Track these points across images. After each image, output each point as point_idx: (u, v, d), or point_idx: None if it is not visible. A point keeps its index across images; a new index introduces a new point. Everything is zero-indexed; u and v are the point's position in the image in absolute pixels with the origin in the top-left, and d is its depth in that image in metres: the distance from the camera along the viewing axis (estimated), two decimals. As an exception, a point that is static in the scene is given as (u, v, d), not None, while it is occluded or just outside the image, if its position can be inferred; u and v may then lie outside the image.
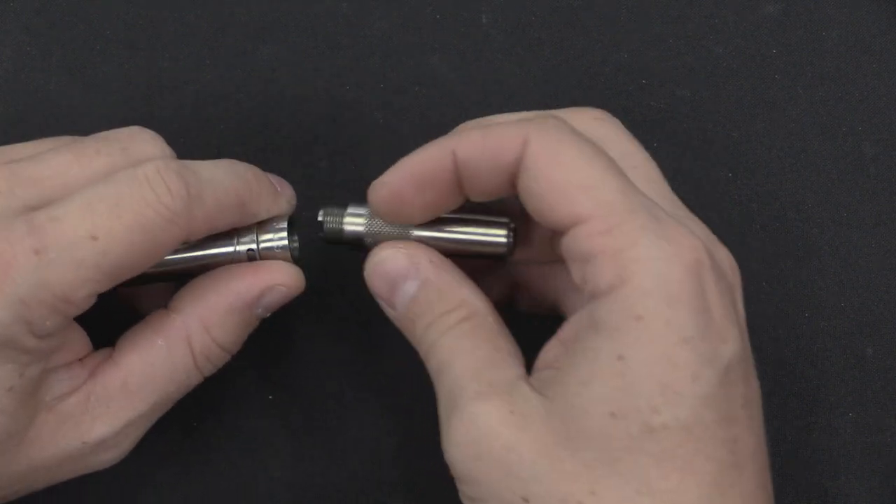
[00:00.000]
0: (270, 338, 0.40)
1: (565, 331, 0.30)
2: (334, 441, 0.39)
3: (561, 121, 0.30)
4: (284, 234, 0.34)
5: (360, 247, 0.34)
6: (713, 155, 0.42)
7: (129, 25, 0.43)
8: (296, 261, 0.35)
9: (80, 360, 0.33)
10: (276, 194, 0.35)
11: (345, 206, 0.34)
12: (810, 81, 0.43)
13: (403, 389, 0.39)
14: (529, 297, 0.36)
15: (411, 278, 0.31)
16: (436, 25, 0.43)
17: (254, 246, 0.34)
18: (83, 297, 0.30)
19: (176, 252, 0.33)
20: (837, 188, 0.42)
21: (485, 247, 0.32)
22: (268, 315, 0.35)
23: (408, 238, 0.32)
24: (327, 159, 0.42)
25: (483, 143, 0.30)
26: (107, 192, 0.30)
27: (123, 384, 0.32)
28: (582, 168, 0.29)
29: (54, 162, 0.31)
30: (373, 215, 0.33)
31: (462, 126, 0.33)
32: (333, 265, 0.40)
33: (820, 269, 0.41)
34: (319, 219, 0.34)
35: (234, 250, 0.34)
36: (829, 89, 0.43)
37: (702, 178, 0.41)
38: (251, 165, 0.34)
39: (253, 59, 0.43)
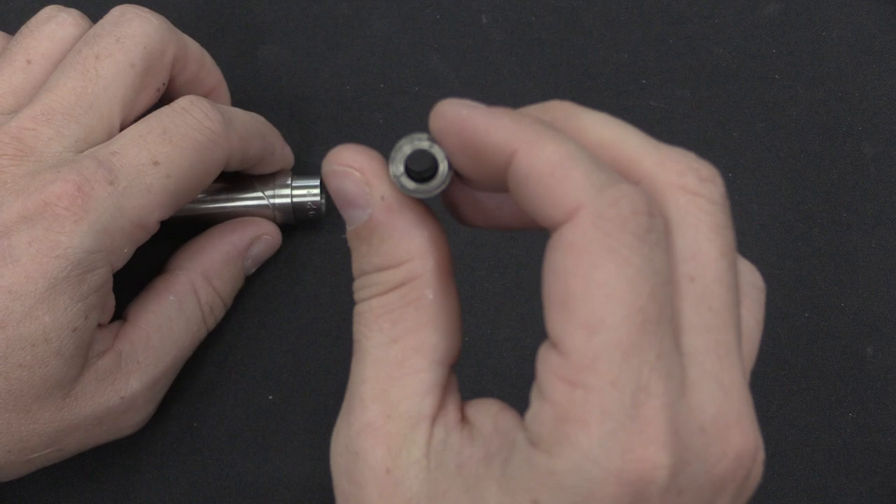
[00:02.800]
0: (270, 338, 0.40)
1: (503, 419, 0.25)
2: (334, 441, 0.39)
3: (644, 207, 0.22)
4: (317, 187, 0.38)
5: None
6: (713, 155, 0.42)
7: (129, 25, 0.43)
8: (319, 217, 0.39)
9: (111, 324, 0.34)
10: (280, 136, 0.39)
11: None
12: (810, 81, 0.43)
13: (403, 389, 0.39)
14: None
15: (359, 207, 0.26)
16: (436, 25, 0.43)
17: (287, 199, 0.38)
18: (154, 221, 0.32)
19: (217, 201, 0.38)
20: (837, 188, 0.42)
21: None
22: (253, 269, 0.39)
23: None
24: (327, 159, 0.42)
25: (543, 175, 0.23)
26: (152, 125, 0.32)
27: (147, 341, 0.34)
28: (605, 298, 0.22)
29: (69, 86, 0.32)
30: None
31: (543, 111, 0.26)
32: (333, 265, 0.40)
33: (820, 269, 0.41)
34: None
35: (268, 203, 0.38)
36: (829, 89, 0.43)
37: (702, 178, 0.41)
38: None
39: (253, 59, 0.43)
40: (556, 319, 0.22)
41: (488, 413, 0.25)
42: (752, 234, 0.41)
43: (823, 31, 0.43)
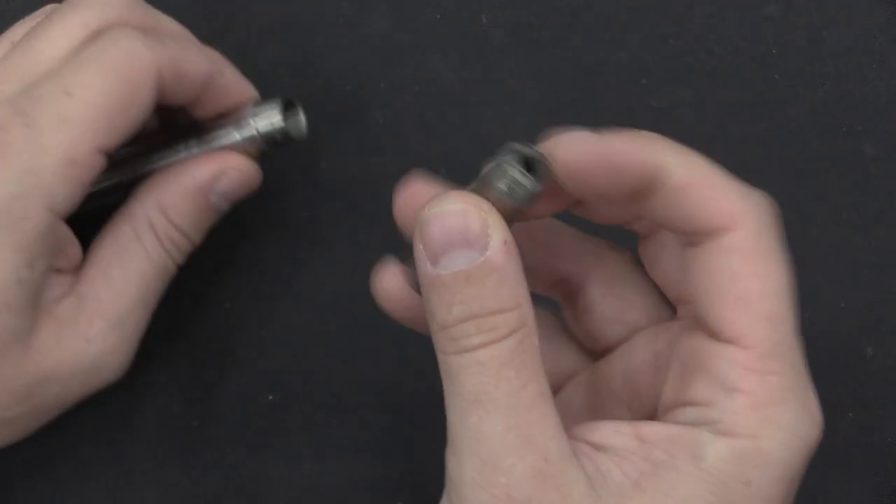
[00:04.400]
0: (270, 337, 0.40)
1: (650, 432, 0.26)
2: (334, 441, 0.39)
3: (774, 212, 0.27)
4: (277, 107, 0.36)
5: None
6: (713, 155, 0.42)
7: (129, 25, 0.43)
8: (298, 140, 0.36)
9: (73, 271, 0.33)
10: (229, 63, 0.37)
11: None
12: (810, 81, 0.43)
13: (404, 389, 0.39)
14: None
15: (475, 249, 0.25)
16: (436, 25, 0.43)
17: (253, 130, 0.35)
18: (86, 153, 0.31)
19: (181, 145, 0.35)
20: (837, 188, 0.42)
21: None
22: (226, 206, 0.36)
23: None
24: (327, 159, 0.42)
25: (692, 187, 0.26)
26: (69, 60, 0.31)
27: (106, 277, 0.33)
28: (778, 295, 0.26)
29: (23, 53, 0.32)
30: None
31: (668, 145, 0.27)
32: (333, 265, 0.40)
33: (820, 269, 0.41)
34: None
35: (238, 137, 0.35)
36: (829, 89, 0.43)
37: (702, 178, 0.41)
38: None
39: (253, 59, 0.43)
40: (735, 316, 0.25)
41: (617, 432, 0.26)
42: (752, 234, 0.41)
43: (823, 31, 0.43)
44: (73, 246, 0.33)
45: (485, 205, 0.25)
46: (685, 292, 0.29)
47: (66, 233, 0.32)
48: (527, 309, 0.26)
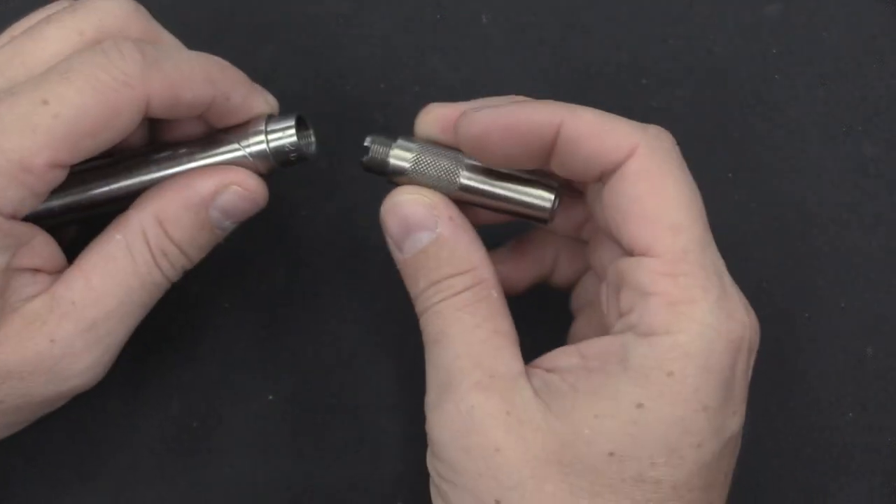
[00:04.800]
0: (270, 338, 0.40)
1: (589, 347, 0.30)
2: (334, 441, 0.39)
3: (671, 140, 0.30)
4: (292, 127, 0.34)
5: (396, 181, 0.33)
6: (713, 155, 0.42)
7: (129, 25, 0.43)
8: (305, 159, 0.34)
9: (52, 273, 0.33)
10: (251, 84, 0.34)
11: (394, 137, 0.33)
12: (810, 81, 0.43)
13: (404, 389, 0.39)
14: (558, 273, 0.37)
15: (427, 229, 0.31)
16: (436, 25, 0.43)
17: (263, 145, 0.33)
18: (42, 164, 0.30)
19: (184, 153, 0.34)
20: (837, 188, 0.42)
21: (529, 208, 0.32)
22: (229, 223, 0.34)
23: (455, 184, 0.32)
24: (328, 159, 0.42)
25: (594, 130, 0.29)
26: (59, 65, 0.30)
27: (86, 281, 0.32)
28: (678, 206, 0.29)
29: (14, 50, 0.32)
30: (422, 152, 0.32)
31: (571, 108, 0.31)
32: (333, 265, 0.40)
33: (820, 269, 0.41)
34: (366, 144, 0.33)
35: (244, 153, 0.34)
36: (829, 89, 0.43)
37: (702, 178, 0.41)
38: None
39: (253, 59, 0.43)
40: (642, 231, 0.29)
41: (564, 354, 0.30)
42: (752, 233, 0.41)
43: (823, 31, 0.43)
44: (48, 245, 0.32)
45: (425, 191, 0.32)
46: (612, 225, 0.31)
47: (30, 232, 0.31)
48: (482, 269, 0.31)
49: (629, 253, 0.29)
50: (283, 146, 0.34)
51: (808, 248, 0.41)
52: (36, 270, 0.32)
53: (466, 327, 0.30)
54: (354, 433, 0.39)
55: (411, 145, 0.32)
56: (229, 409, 0.39)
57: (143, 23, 0.33)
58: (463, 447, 0.29)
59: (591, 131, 0.29)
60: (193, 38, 0.40)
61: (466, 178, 0.32)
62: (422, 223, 0.31)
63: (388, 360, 0.40)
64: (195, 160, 0.34)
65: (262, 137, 0.34)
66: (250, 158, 0.34)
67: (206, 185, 0.33)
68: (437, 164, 0.32)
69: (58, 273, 0.33)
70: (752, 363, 0.30)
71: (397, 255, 0.32)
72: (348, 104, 0.42)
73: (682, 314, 0.28)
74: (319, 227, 0.41)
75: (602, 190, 0.30)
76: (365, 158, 0.33)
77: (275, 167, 0.34)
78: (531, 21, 0.43)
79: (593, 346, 0.30)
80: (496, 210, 0.32)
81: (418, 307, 0.32)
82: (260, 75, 0.42)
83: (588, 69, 0.43)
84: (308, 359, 0.40)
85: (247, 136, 0.34)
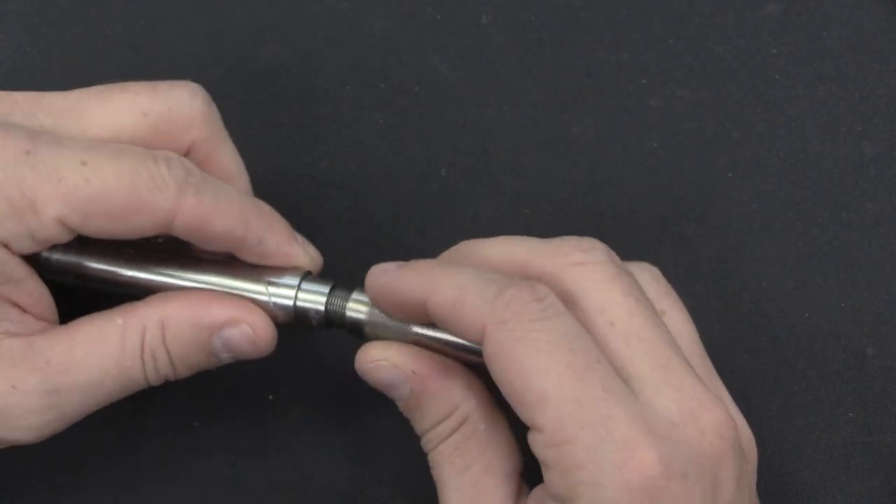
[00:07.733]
0: (270, 338, 0.40)
1: (532, 500, 0.30)
2: (334, 441, 0.39)
3: (533, 293, 0.28)
4: (325, 295, 0.33)
5: (359, 334, 0.33)
6: (713, 155, 0.42)
7: (129, 25, 0.43)
8: (319, 323, 0.34)
9: (39, 319, 0.33)
10: (292, 235, 0.34)
11: (351, 290, 0.33)
12: (810, 81, 0.43)
13: (403, 389, 0.39)
14: None
15: (398, 387, 0.32)
16: (436, 25, 0.43)
17: (290, 300, 0.33)
18: (51, 214, 0.30)
19: (208, 271, 0.33)
20: (837, 188, 0.42)
21: (481, 355, 0.30)
22: (227, 357, 0.33)
23: (406, 334, 0.32)
24: (327, 159, 0.42)
25: (449, 311, 0.29)
26: (116, 144, 0.31)
27: (70, 347, 0.32)
28: (539, 373, 0.27)
29: (78, 100, 0.33)
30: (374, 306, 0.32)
31: (452, 255, 0.33)
32: (333, 265, 0.40)
33: (820, 269, 0.41)
34: (322, 298, 0.33)
35: (268, 298, 0.33)
36: (829, 89, 0.43)
37: (702, 178, 0.41)
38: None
39: (253, 59, 0.43)
40: (521, 411, 0.28)
41: (538, 499, 0.30)
42: (752, 234, 0.41)
43: (823, 31, 0.43)
44: (39, 289, 0.32)
45: (389, 348, 0.32)
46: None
47: (23, 270, 0.31)
48: (465, 405, 0.31)
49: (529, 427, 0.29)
50: (307, 310, 0.33)
51: (808, 248, 0.41)
52: (23, 310, 0.32)
53: (455, 472, 0.31)
54: (354, 433, 0.39)
55: (365, 298, 0.33)
56: (229, 409, 0.39)
57: (206, 128, 0.34)
58: None
59: (447, 312, 0.29)
60: (193, 38, 0.40)
61: (418, 328, 0.32)
62: (392, 385, 0.32)
63: (388, 360, 0.40)
64: (218, 280, 0.33)
65: (291, 293, 0.33)
66: (272, 305, 0.33)
67: (220, 313, 0.33)
68: (389, 319, 0.32)
69: (45, 323, 0.33)
70: (706, 489, 0.28)
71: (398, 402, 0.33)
72: (348, 104, 0.42)
73: (575, 484, 0.27)
74: (319, 226, 0.41)
75: None
76: (323, 308, 0.33)
77: (293, 324, 0.34)
78: (531, 21, 0.43)
79: (532, 499, 0.30)
80: (455, 358, 0.32)
81: (423, 447, 0.33)
82: (260, 75, 0.43)
83: (588, 69, 0.43)
84: (308, 358, 0.40)
85: (278, 285, 0.33)
